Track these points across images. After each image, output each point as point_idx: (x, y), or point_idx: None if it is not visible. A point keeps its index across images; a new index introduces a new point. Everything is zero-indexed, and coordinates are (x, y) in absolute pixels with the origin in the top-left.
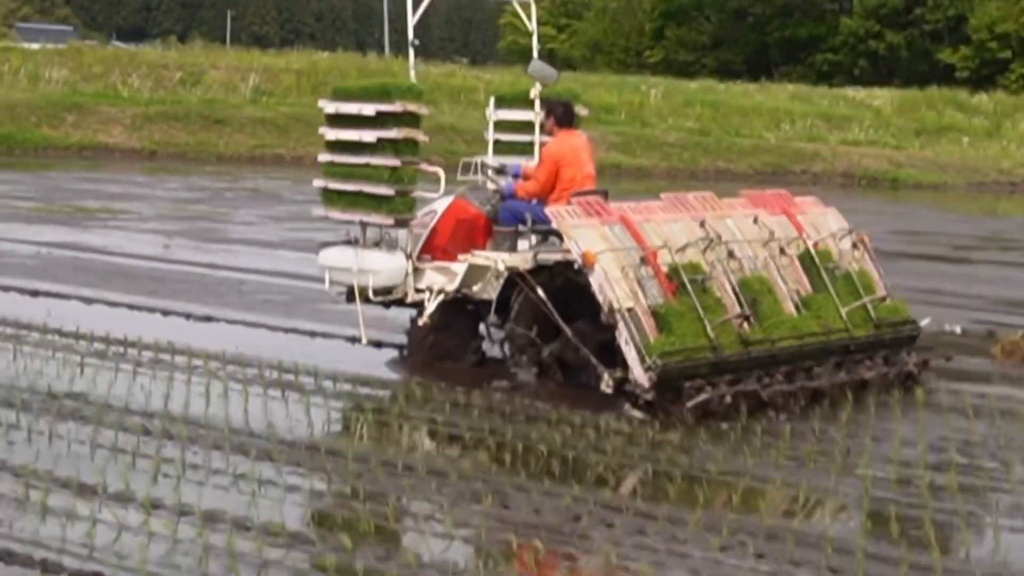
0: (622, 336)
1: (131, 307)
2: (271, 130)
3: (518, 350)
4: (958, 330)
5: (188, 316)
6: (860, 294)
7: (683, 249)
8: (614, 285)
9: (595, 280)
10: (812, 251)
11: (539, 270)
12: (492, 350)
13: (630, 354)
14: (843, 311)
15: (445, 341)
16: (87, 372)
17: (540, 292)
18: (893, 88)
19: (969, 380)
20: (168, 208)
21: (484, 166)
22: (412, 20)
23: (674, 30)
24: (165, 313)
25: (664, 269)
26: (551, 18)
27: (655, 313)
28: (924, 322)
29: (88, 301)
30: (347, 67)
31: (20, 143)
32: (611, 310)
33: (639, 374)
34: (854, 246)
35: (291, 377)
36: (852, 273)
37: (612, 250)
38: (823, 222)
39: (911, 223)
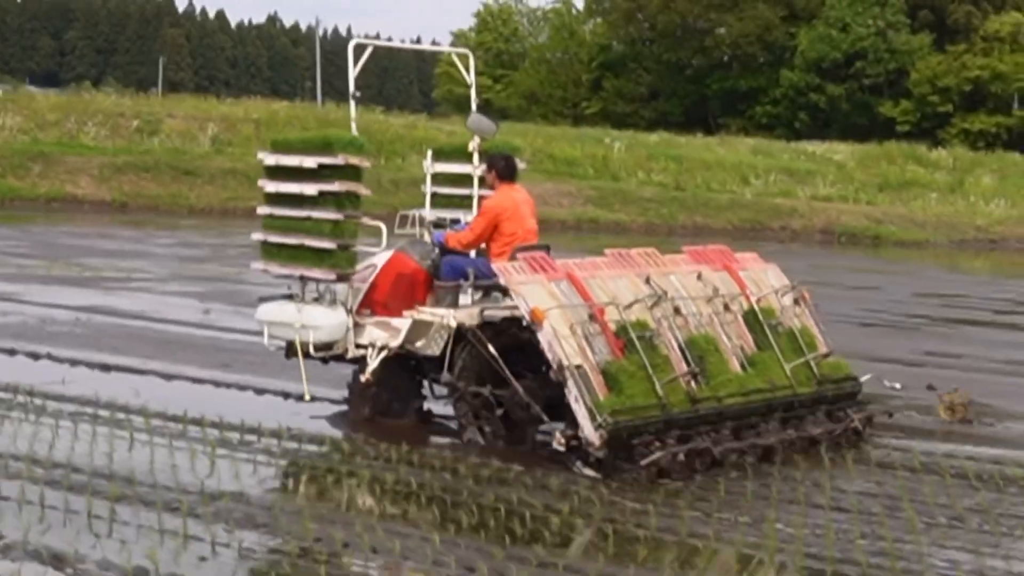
0: (571, 394)
1: (217, 384)
2: (242, 181)
3: (469, 408)
4: (898, 386)
5: (285, 395)
6: (803, 351)
7: (630, 306)
8: (563, 342)
9: (544, 337)
10: (756, 308)
11: (485, 326)
12: (434, 406)
13: (580, 412)
14: (787, 368)
15: (387, 397)
16: (261, 471)
17: (491, 348)
18: (851, 142)
19: (918, 437)
20: (178, 267)
21: (422, 219)
22: (353, 72)
23: (612, 81)
24: (259, 391)
25: (612, 326)
26: (486, 68)
27: (604, 371)
28: (864, 378)
29: (167, 377)
30: (306, 117)
31: None
32: (560, 367)
33: (589, 432)
34: (795, 302)
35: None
36: (795, 329)
37: (560, 307)
38: (764, 278)
39: (931, 285)
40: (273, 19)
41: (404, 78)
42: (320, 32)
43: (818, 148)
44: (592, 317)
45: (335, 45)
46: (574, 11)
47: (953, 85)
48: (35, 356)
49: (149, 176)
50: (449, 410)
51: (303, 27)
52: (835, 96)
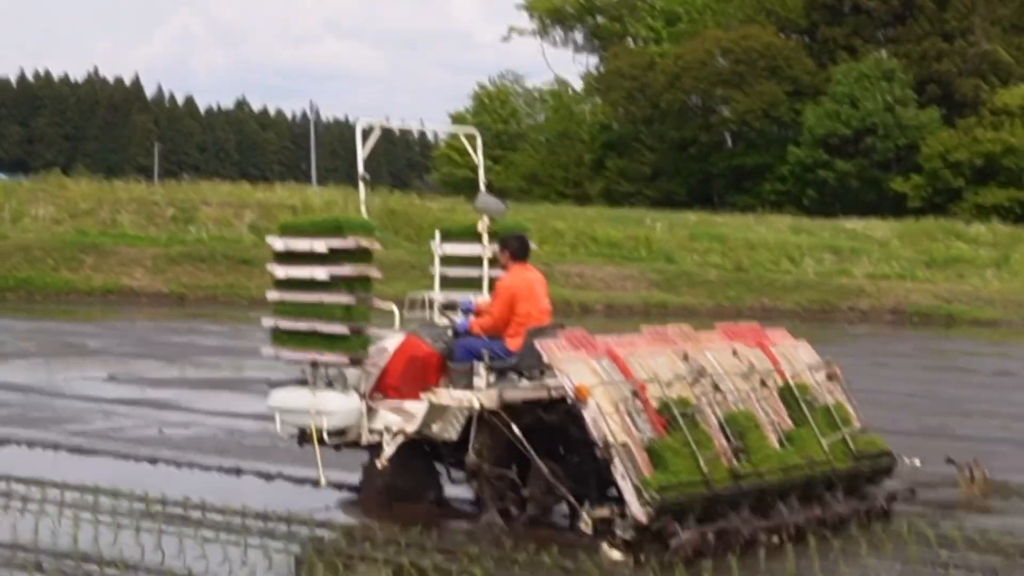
0: (618, 471)
1: None
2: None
3: (494, 491)
4: (918, 463)
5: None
6: (838, 426)
7: (671, 383)
8: (608, 419)
9: (589, 415)
10: (791, 384)
11: (504, 409)
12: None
13: (627, 489)
14: (824, 443)
15: (402, 482)
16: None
17: (516, 431)
18: (888, 219)
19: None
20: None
21: (431, 302)
22: (362, 154)
23: (615, 160)
24: None
25: (654, 403)
26: (486, 149)
27: (648, 448)
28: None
29: None
30: (344, 203)
31: (40, 288)
32: (606, 445)
33: (636, 509)
34: (828, 378)
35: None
36: (829, 405)
37: (603, 384)
38: (796, 354)
39: None
40: (242, 104)
41: (374, 161)
42: (312, 117)
43: (857, 225)
44: (635, 394)
45: (304, 128)
46: (571, 91)
47: (965, 159)
48: (267, 476)
49: (205, 267)
50: (463, 493)
51: (272, 112)
52: (844, 172)
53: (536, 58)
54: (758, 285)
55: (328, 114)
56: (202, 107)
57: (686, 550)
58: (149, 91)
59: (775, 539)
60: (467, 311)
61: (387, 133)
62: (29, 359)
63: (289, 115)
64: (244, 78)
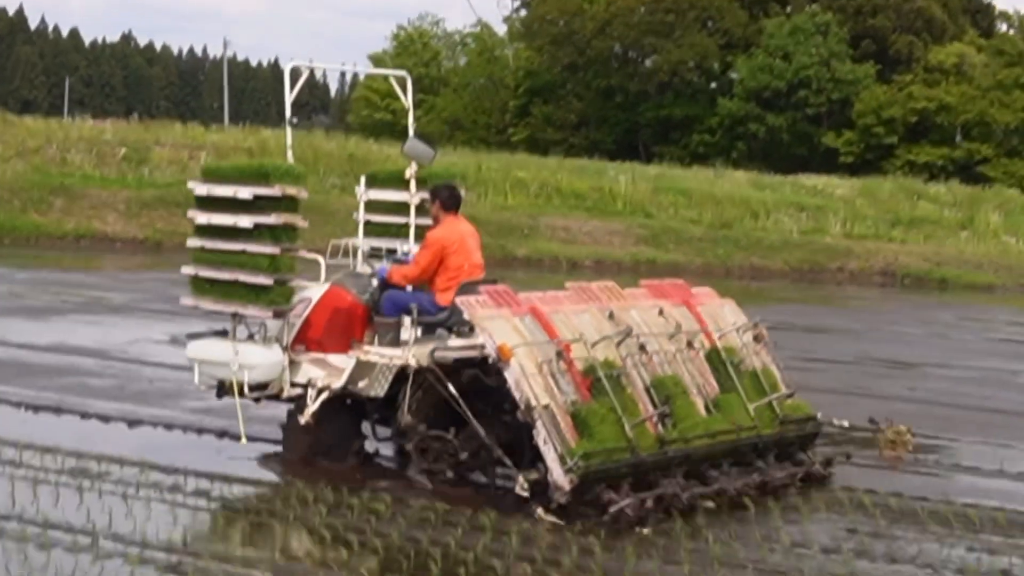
0: (540, 435)
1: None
2: None
3: (424, 451)
4: (845, 423)
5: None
6: (765, 391)
7: (596, 343)
8: (531, 381)
9: (511, 376)
10: (719, 346)
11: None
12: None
13: (549, 454)
14: (751, 408)
15: (325, 439)
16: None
17: (452, 390)
18: (845, 176)
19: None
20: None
21: (355, 250)
22: (289, 97)
23: (540, 108)
24: None
25: (578, 364)
26: None
27: (573, 413)
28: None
29: None
30: (302, 147)
31: (9, 231)
32: (528, 407)
33: (559, 476)
34: (755, 339)
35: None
36: (756, 369)
37: (527, 344)
38: (722, 314)
39: None
40: (128, 38)
41: (262, 99)
42: (228, 55)
43: (817, 182)
44: (559, 355)
45: (191, 65)
46: (495, 35)
47: (899, 116)
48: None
49: (180, 212)
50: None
51: (158, 46)
52: (775, 126)
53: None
54: (746, 243)
55: (214, 52)
56: (87, 40)
57: (625, 516)
58: (32, 21)
59: (712, 504)
60: (399, 263)
61: (276, 73)
62: (67, 316)
63: (175, 51)
64: (122, 16)
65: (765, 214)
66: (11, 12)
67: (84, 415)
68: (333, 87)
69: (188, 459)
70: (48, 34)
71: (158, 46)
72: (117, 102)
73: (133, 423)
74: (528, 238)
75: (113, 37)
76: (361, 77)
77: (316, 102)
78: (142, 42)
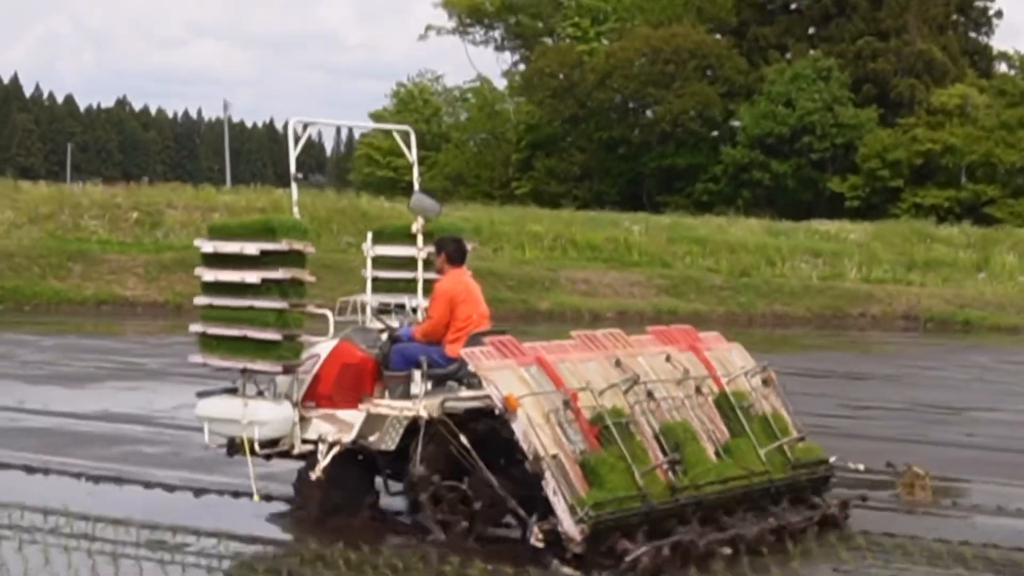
0: (549, 486)
1: None
2: None
3: (440, 504)
4: (861, 467)
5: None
6: (776, 435)
7: (604, 391)
8: (538, 431)
9: (518, 427)
10: (727, 392)
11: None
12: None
13: (559, 505)
14: (762, 453)
15: (337, 494)
16: None
17: (464, 441)
18: (858, 221)
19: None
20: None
21: (363, 306)
22: (293, 153)
23: (543, 161)
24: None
25: (586, 413)
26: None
27: (582, 463)
28: (831, 459)
29: None
30: (313, 205)
31: (30, 298)
32: (536, 458)
33: (569, 527)
34: (764, 383)
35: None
36: (767, 413)
37: (533, 394)
38: (729, 358)
39: None
40: (122, 103)
41: (258, 160)
42: (225, 117)
43: (830, 227)
44: (567, 404)
45: (186, 128)
46: (495, 89)
47: (904, 159)
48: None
49: None
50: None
51: (152, 110)
52: (780, 172)
53: (421, 58)
54: (766, 291)
55: (209, 114)
56: (82, 106)
57: (642, 564)
58: (27, 89)
59: (729, 551)
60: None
61: (270, 133)
62: (104, 383)
63: (171, 114)
64: (115, 82)
65: (781, 260)
66: (6, 80)
67: (147, 484)
68: (328, 146)
69: (261, 528)
70: (43, 101)
71: (153, 110)
72: (114, 167)
73: (199, 492)
74: (549, 291)
75: (108, 102)
76: (357, 134)
77: (312, 161)
78: (137, 106)
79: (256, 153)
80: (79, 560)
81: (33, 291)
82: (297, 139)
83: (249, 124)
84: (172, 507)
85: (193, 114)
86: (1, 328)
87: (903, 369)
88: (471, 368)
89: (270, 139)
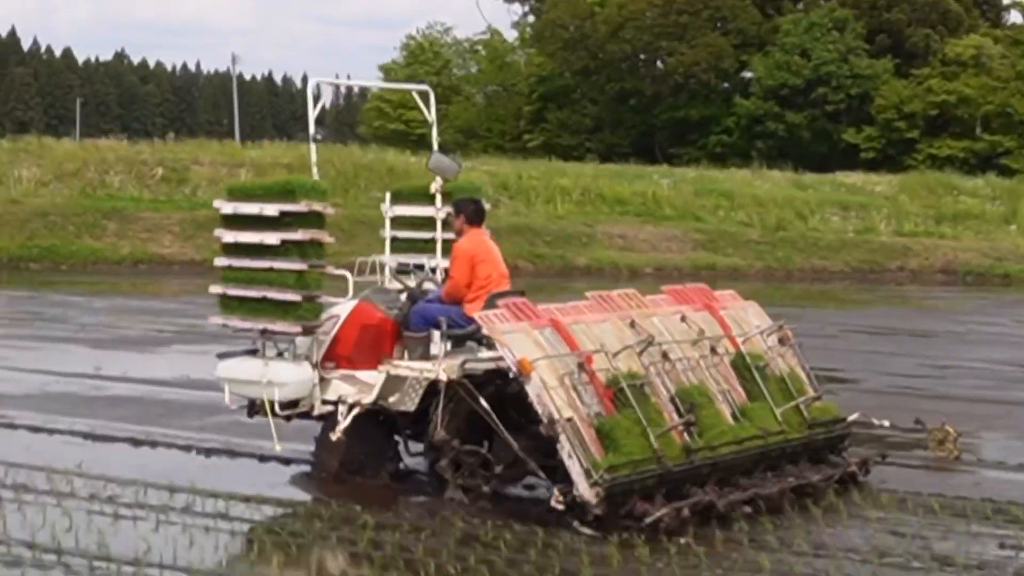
0: (564, 449)
1: None
2: (335, 234)
3: (460, 467)
4: (886, 423)
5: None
6: (792, 395)
7: (618, 353)
8: (552, 394)
9: (533, 390)
10: (743, 352)
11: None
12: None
13: (574, 468)
14: (778, 413)
15: (358, 455)
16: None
17: (484, 403)
18: (883, 173)
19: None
20: None
21: (382, 266)
22: (312, 114)
23: (555, 113)
24: None
25: (601, 376)
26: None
27: (597, 427)
28: (851, 417)
29: None
30: (342, 161)
31: (66, 257)
32: (551, 422)
33: (584, 490)
34: (780, 342)
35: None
36: (783, 373)
37: (548, 357)
38: (745, 317)
39: None
40: (121, 56)
41: (256, 113)
42: (222, 69)
43: (856, 180)
44: (581, 367)
45: (185, 82)
46: (506, 41)
47: (919, 110)
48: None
49: None
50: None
51: (151, 64)
52: (794, 124)
53: (423, 9)
54: (803, 245)
55: (208, 67)
56: (80, 59)
57: (663, 525)
58: (25, 42)
59: (749, 510)
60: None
61: (269, 86)
62: (170, 347)
63: (169, 67)
64: (111, 33)
65: (810, 213)
66: (3, 34)
67: (262, 458)
68: (328, 100)
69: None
70: (41, 55)
71: (152, 63)
72: (112, 120)
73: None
74: (586, 247)
75: (104, 55)
76: (375, 90)
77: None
78: (135, 59)
79: (255, 106)
80: (224, 542)
81: (69, 250)
82: (316, 100)
83: (248, 76)
84: (295, 481)
85: (192, 67)
86: (42, 288)
87: (962, 326)
88: (484, 331)
89: (269, 92)
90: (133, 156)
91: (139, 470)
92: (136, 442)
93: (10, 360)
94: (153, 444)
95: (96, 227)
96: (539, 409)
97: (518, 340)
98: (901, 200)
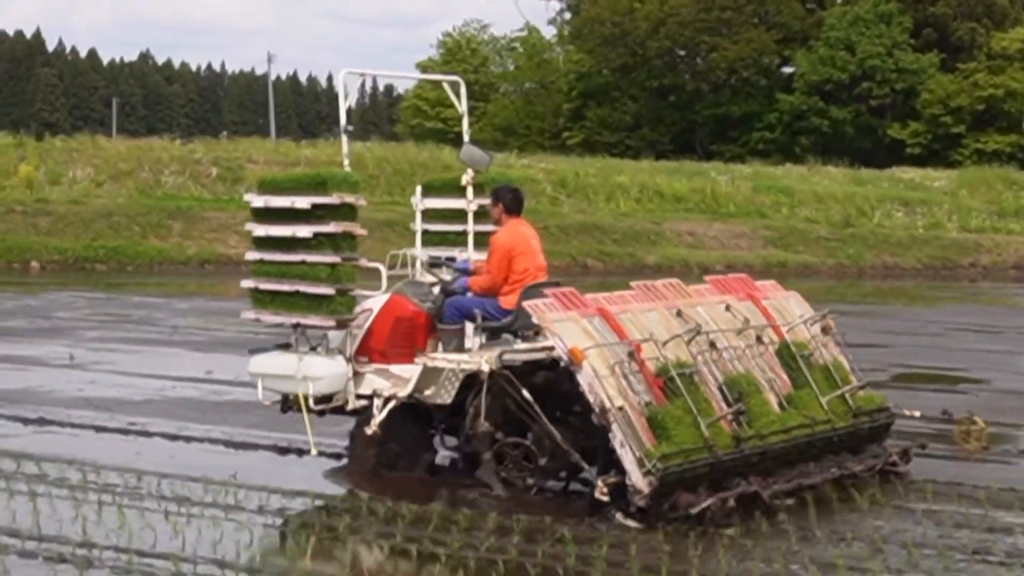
0: (616, 438)
1: None
2: (402, 233)
3: (502, 458)
4: (917, 414)
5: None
6: (837, 384)
7: (666, 342)
8: (604, 383)
9: (584, 379)
10: (788, 341)
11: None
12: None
13: (627, 457)
14: (824, 402)
15: (393, 449)
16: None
17: (526, 395)
18: (940, 168)
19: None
20: None
21: (413, 259)
22: (344, 106)
23: (595, 110)
24: None
25: (650, 365)
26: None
27: (649, 417)
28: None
29: None
30: (397, 159)
31: (132, 258)
32: (603, 410)
33: (638, 479)
34: (823, 331)
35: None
36: (827, 362)
37: (597, 346)
38: (787, 307)
39: None
40: (146, 56)
41: (281, 113)
42: (284, 76)
43: (914, 175)
44: (631, 355)
45: (209, 82)
46: (543, 38)
47: (966, 104)
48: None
49: None
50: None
51: (176, 64)
52: (839, 119)
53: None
54: (873, 241)
55: (233, 67)
56: (105, 60)
57: (708, 516)
58: (50, 43)
59: (792, 501)
60: (463, 271)
61: (294, 86)
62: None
63: (194, 67)
64: (130, 33)
65: (870, 209)
66: (28, 35)
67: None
68: (353, 97)
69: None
70: (66, 56)
71: (176, 63)
72: (138, 121)
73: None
74: (655, 244)
75: (131, 56)
76: (408, 84)
77: (336, 113)
78: (160, 60)
79: (280, 106)
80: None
81: (135, 251)
82: (347, 91)
83: (272, 76)
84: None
85: (217, 67)
86: (112, 290)
87: None
88: (535, 320)
89: (294, 92)
90: (187, 155)
91: (290, 479)
92: (281, 450)
93: (117, 364)
94: (299, 452)
95: (161, 227)
96: (591, 398)
97: (569, 329)
98: (961, 195)
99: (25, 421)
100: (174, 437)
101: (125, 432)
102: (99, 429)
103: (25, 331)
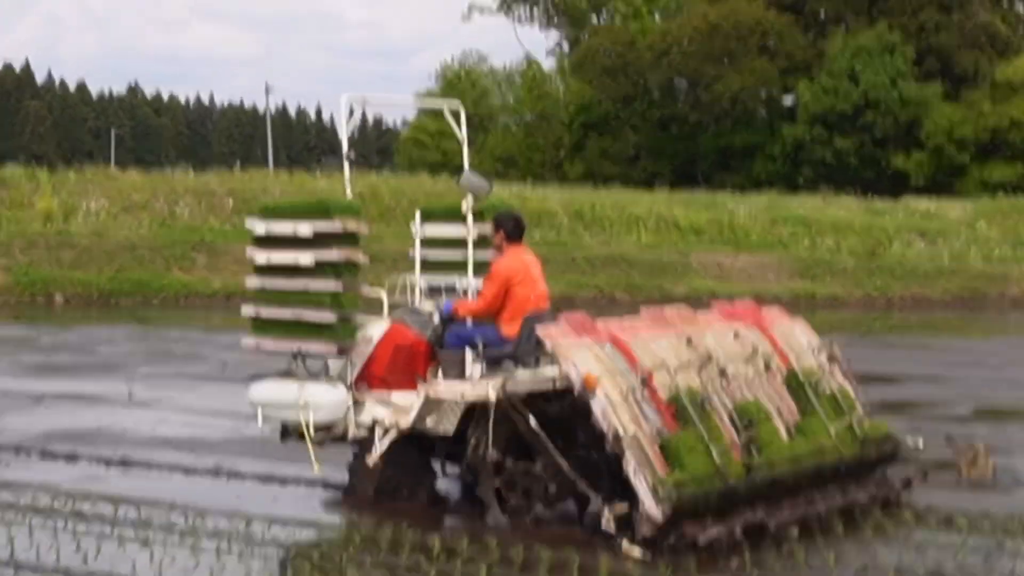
0: (630, 466)
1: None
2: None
3: (512, 487)
4: (920, 444)
5: None
6: (844, 412)
7: (677, 370)
8: (617, 411)
9: (598, 406)
10: (796, 369)
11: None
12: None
13: (640, 485)
14: (832, 431)
15: (394, 479)
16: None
17: (534, 423)
18: (954, 198)
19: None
20: None
21: (412, 286)
22: (345, 132)
23: (595, 141)
24: None
25: (662, 392)
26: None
27: (662, 445)
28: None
29: None
30: (412, 190)
31: (156, 291)
32: (616, 438)
33: (651, 507)
34: (829, 360)
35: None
36: (834, 391)
37: (610, 373)
38: (794, 335)
39: None
40: (134, 89)
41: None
42: (273, 107)
43: (929, 206)
44: (643, 383)
45: (198, 114)
46: (543, 71)
47: (970, 135)
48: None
49: None
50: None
51: (165, 97)
52: (842, 150)
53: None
54: (900, 273)
55: (220, 100)
56: (94, 92)
57: (716, 545)
58: (39, 76)
59: (797, 531)
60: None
61: (283, 118)
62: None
63: (182, 99)
64: (118, 65)
65: (887, 240)
66: (17, 68)
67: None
68: (354, 124)
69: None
70: (55, 88)
71: (165, 95)
72: (126, 153)
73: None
74: (683, 276)
75: (120, 88)
76: (409, 113)
77: (324, 144)
78: (148, 93)
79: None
80: None
81: (160, 284)
82: (348, 118)
83: (260, 109)
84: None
85: (205, 99)
86: (148, 325)
87: None
88: (548, 347)
89: (283, 123)
90: (201, 187)
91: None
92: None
93: (177, 400)
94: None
95: (185, 259)
96: (604, 425)
97: (582, 355)
98: (979, 226)
99: (107, 462)
100: (266, 479)
101: (215, 473)
102: (188, 471)
103: (74, 367)
